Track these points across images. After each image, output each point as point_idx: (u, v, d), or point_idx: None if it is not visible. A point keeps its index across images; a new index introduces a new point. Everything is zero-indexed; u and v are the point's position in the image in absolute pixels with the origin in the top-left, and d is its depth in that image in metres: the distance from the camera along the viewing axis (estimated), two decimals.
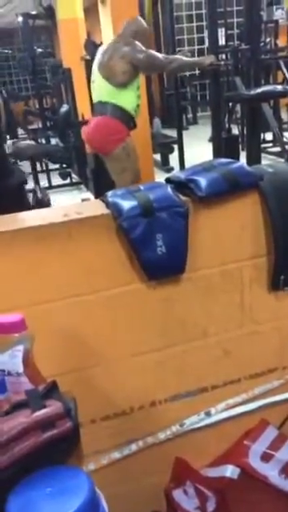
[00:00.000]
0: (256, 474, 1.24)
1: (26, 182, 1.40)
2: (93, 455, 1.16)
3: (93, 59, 3.37)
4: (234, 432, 1.31)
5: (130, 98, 3.19)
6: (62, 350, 1.09)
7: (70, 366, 1.09)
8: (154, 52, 3.20)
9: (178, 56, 3.37)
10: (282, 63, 5.85)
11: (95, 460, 1.17)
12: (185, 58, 3.28)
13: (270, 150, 6.09)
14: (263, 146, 5.77)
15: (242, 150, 5.36)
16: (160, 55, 3.21)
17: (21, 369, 0.81)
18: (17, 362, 0.81)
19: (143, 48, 3.12)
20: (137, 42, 3.12)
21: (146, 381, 1.19)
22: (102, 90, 3.21)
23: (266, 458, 1.28)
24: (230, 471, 1.26)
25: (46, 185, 5.74)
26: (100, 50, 3.29)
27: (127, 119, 3.23)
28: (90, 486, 0.67)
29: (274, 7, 9.16)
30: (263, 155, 5.29)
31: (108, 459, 1.18)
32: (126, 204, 1.05)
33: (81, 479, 0.68)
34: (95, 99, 3.33)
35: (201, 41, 10.01)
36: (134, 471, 1.23)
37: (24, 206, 1.19)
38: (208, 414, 1.26)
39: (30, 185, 5.07)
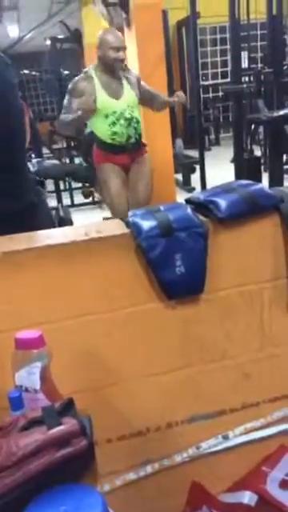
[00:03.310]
0: (274, 501, 1.21)
1: (32, 206, 1.37)
2: (108, 475, 1.15)
3: None
4: (251, 457, 1.28)
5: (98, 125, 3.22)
6: (80, 367, 1.09)
7: (87, 384, 1.09)
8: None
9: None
10: None
11: (110, 481, 1.15)
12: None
13: None
14: (286, 167, 5.75)
15: (265, 171, 5.36)
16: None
17: (38, 385, 0.82)
18: (34, 379, 0.82)
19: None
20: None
21: (162, 401, 1.18)
22: None
23: (284, 485, 1.25)
24: (247, 498, 1.23)
25: (69, 203, 5.82)
26: None
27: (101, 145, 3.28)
28: (104, 506, 0.66)
29: None
30: (286, 176, 5.27)
31: (123, 480, 1.17)
32: (146, 224, 1.06)
33: (94, 498, 0.68)
34: None
35: (224, 64, 10.12)
36: (150, 493, 1.22)
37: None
38: (226, 438, 1.24)
39: (53, 203, 5.17)
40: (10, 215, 1.25)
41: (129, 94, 3.25)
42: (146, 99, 3.40)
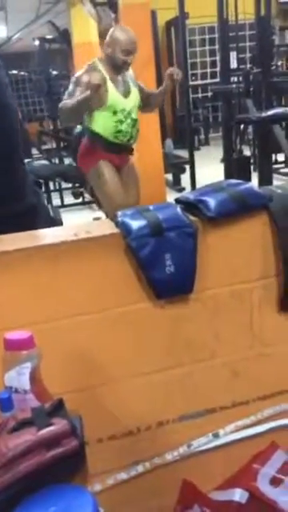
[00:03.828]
0: (265, 498, 1.22)
1: (33, 208, 1.37)
2: (99, 475, 1.15)
3: None
4: (242, 454, 1.29)
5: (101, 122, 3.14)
6: (69, 368, 1.09)
7: (77, 385, 1.09)
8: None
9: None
10: None
11: (101, 480, 1.15)
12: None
13: (281, 170, 6.11)
14: (275, 166, 5.79)
15: (254, 170, 5.39)
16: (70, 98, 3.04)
17: (28, 386, 0.82)
18: (24, 380, 0.81)
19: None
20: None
21: (153, 400, 1.19)
22: None
23: (275, 482, 1.25)
24: (238, 495, 1.24)
25: (59, 204, 5.81)
26: None
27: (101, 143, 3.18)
28: (94, 506, 0.66)
29: (287, 31, 9.31)
30: (275, 176, 5.31)
31: (114, 480, 1.17)
32: (135, 223, 1.06)
33: (85, 498, 0.68)
34: None
35: (213, 64, 10.16)
36: (141, 493, 1.22)
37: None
38: (216, 436, 1.25)
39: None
40: (11, 218, 1.24)
41: (135, 95, 3.21)
42: (144, 97, 3.32)
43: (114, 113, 3.10)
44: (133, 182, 3.38)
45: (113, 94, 3.10)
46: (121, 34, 3.07)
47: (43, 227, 1.25)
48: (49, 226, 1.30)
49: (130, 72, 3.29)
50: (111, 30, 3.17)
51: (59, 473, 0.72)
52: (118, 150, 3.22)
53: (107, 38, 3.13)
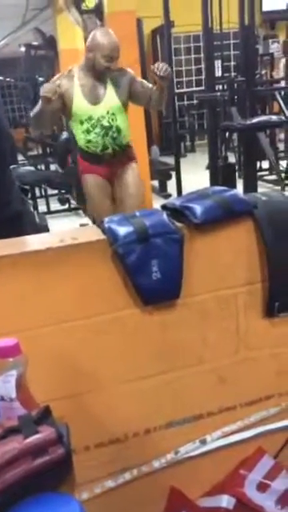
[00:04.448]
0: (252, 504, 1.22)
1: (19, 214, 1.37)
2: (86, 484, 1.14)
3: None
4: (229, 460, 1.29)
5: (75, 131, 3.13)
6: (56, 375, 1.08)
7: (64, 392, 1.09)
8: None
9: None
10: (277, 94, 5.99)
11: (88, 489, 1.15)
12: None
13: (266, 178, 6.17)
14: (260, 174, 5.85)
15: (239, 177, 5.43)
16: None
17: (14, 394, 0.81)
18: (10, 387, 0.81)
19: None
20: None
21: (140, 407, 1.18)
22: None
23: (262, 487, 1.26)
24: (225, 501, 1.24)
25: (45, 210, 5.79)
26: None
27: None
28: None
29: (270, 41, 9.45)
30: (260, 183, 5.36)
31: (102, 488, 1.16)
32: (122, 230, 1.07)
33: (72, 507, 0.67)
34: None
35: (199, 72, 10.25)
36: (128, 500, 1.21)
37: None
38: (203, 442, 1.25)
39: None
40: None
41: (111, 100, 3.04)
42: (143, 96, 3.13)
43: (81, 122, 3.04)
44: (127, 193, 3.19)
45: (78, 102, 3.01)
46: (102, 38, 2.95)
47: (29, 233, 1.24)
48: (35, 233, 1.30)
49: (125, 71, 3.13)
50: (92, 32, 3.05)
51: (46, 481, 0.71)
52: (95, 161, 3.13)
53: (88, 41, 3.02)
